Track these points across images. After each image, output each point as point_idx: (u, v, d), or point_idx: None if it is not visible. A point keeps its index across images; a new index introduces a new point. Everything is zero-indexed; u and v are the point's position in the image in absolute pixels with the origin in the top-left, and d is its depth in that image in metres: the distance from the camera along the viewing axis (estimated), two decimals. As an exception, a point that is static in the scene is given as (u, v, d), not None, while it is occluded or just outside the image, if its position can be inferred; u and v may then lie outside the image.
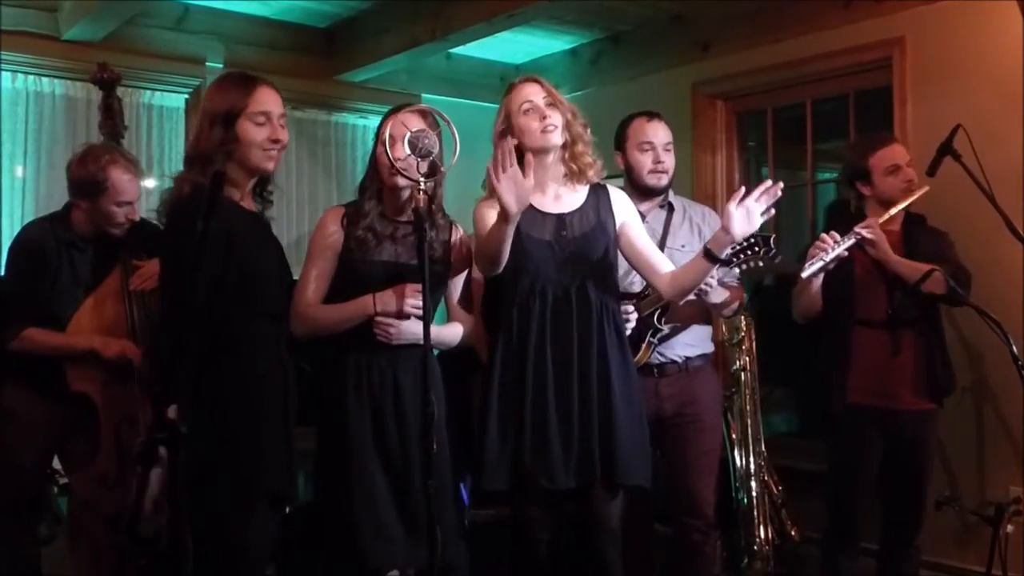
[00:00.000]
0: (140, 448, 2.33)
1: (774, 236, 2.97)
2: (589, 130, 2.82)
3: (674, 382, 3.24)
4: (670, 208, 3.34)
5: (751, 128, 5.13)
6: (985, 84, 3.84)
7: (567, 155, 2.77)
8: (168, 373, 2.33)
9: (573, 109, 2.80)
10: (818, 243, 3.18)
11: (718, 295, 3.14)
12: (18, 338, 3.14)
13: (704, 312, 3.29)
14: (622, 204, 2.84)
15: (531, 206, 2.76)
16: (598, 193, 2.82)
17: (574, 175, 2.79)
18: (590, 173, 2.79)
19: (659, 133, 3.28)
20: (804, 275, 3.14)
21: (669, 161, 3.28)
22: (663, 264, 2.80)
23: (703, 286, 3.01)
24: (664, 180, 3.28)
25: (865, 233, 3.18)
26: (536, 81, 2.79)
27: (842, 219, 3.39)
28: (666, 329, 3.19)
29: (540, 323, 2.67)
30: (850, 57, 4.34)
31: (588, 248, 2.74)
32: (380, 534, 2.63)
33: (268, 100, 2.54)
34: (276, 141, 2.55)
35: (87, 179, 3.17)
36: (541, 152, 2.71)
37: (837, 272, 3.23)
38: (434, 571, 2.43)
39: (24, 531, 3.36)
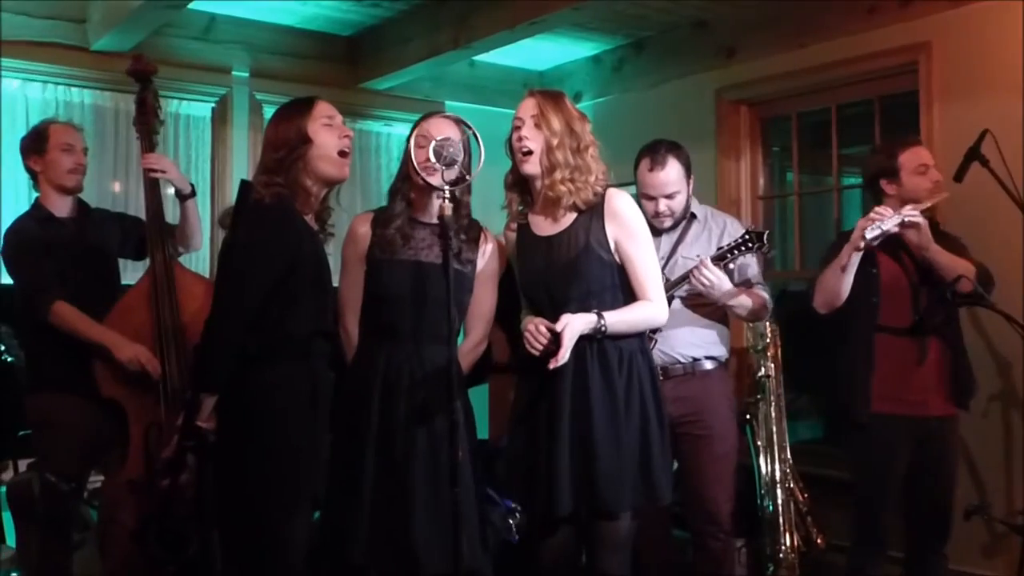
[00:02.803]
0: (169, 455, 2.35)
1: (768, 232, 3.03)
2: (591, 150, 2.69)
3: (679, 385, 3.22)
4: (691, 217, 3.33)
5: (776, 133, 5.12)
6: (1013, 88, 3.81)
7: (546, 183, 2.68)
8: (211, 373, 2.37)
9: (564, 131, 2.65)
10: (874, 212, 3.12)
11: (729, 295, 3.13)
12: (52, 312, 3.20)
13: (716, 312, 3.27)
14: (617, 219, 2.68)
15: (528, 228, 2.78)
16: (593, 210, 2.69)
17: (551, 203, 2.70)
18: (572, 201, 2.67)
19: (658, 183, 3.21)
20: (868, 236, 3.06)
21: (673, 207, 3.25)
22: (648, 291, 2.69)
23: (704, 280, 3.03)
24: (667, 223, 3.28)
25: (915, 216, 3.09)
26: (532, 95, 2.74)
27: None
28: (657, 338, 3.17)
29: (534, 359, 2.63)
30: (876, 62, 4.32)
31: (574, 274, 2.66)
32: (362, 532, 2.63)
33: (329, 108, 2.67)
34: (346, 137, 2.65)
35: (30, 135, 3.44)
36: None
37: (862, 278, 3.21)
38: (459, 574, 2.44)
39: (60, 540, 3.39)
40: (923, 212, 3.19)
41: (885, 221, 3.06)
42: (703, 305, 3.24)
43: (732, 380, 3.50)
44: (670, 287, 3.11)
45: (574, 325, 2.54)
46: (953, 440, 3.35)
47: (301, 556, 2.51)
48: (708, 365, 3.27)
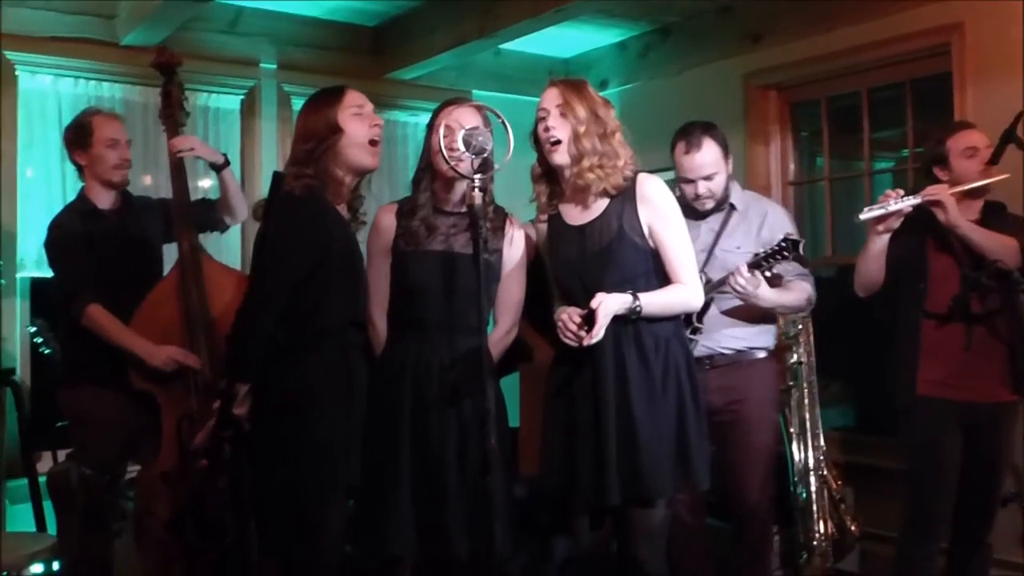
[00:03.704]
0: (205, 444, 2.38)
1: (803, 241, 3.00)
2: (617, 135, 2.69)
3: (723, 374, 3.21)
4: (731, 208, 3.30)
5: (805, 118, 5.07)
6: (1048, 69, 3.75)
7: (574, 171, 2.68)
8: (241, 362, 2.39)
9: (589, 118, 2.65)
10: (883, 196, 3.11)
11: (767, 298, 3.11)
12: (85, 315, 3.25)
13: (761, 309, 3.24)
14: (650, 204, 2.67)
15: (559, 218, 2.77)
16: (624, 195, 2.69)
17: (580, 190, 2.70)
18: (602, 187, 2.66)
19: (695, 165, 3.20)
20: (862, 217, 3.09)
21: (712, 188, 3.23)
22: (682, 275, 2.68)
23: (738, 288, 3.03)
24: (708, 205, 3.26)
25: (933, 194, 3.07)
26: (554, 85, 2.74)
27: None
28: (702, 328, 3.16)
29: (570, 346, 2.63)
30: (907, 44, 4.27)
31: (609, 261, 2.66)
32: (398, 523, 2.64)
33: (359, 97, 2.69)
34: (376, 126, 2.67)
35: (73, 128, 3.45)
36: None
37: (911, 262, 3.19)
38: (491, 563, 2.45)
39: (100, 531, 3.43)
40: (979, 196, 3.17)
41: (890, 202, 3.05)
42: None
43: (778, 370, 3.45)
44: (709, 289, 3.09)
45: (608, 303, 2.53)
46: (1006, 428, 3.28)
47: (337, 545, 2.53)
48: (753, 355, 3.25)
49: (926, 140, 3.50)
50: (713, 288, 3.14)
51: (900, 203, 3.06)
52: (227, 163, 3.47)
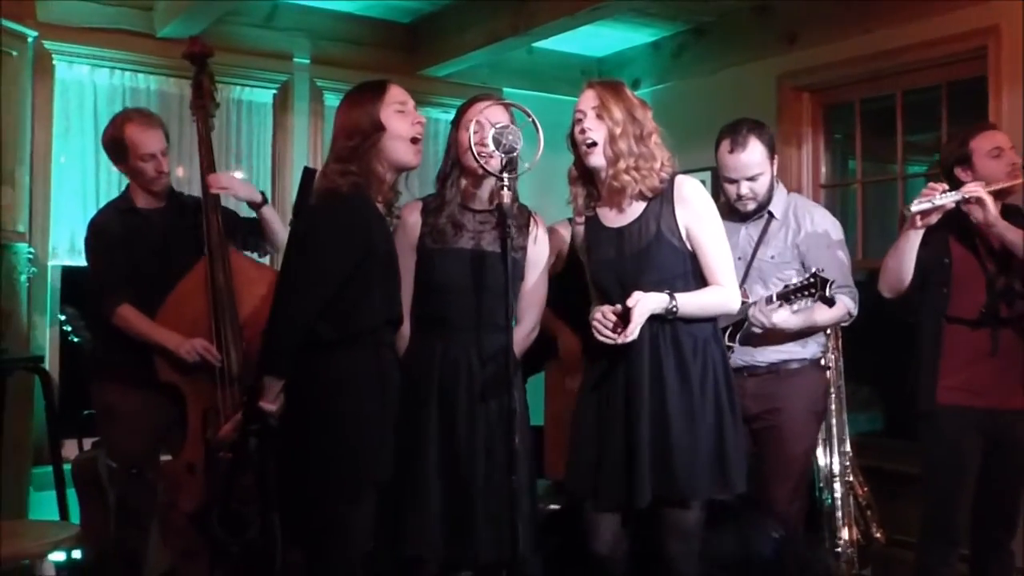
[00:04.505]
0: (231, 438, 2.39)
1: (832, 281, 2.91)
2: (654, 137, 2.68)
3: (762, 383, 3.19)
4: (770, 216, 3.24)
5: (838, 120, 5.02)
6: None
7: (610, 172, 2.67)
8: (278, 356, 2.40)
9: (626, 120, 2.64)
10: (927, 188, 3.02)
11: (795, 326, 3.07)
12: (116, 315, 3.28)
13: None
14: (688, 205, 2.67)
15: (597, 220, 2.76)
16: (662, 197, 2.68)
17: (617, 192, 2.68)
18: (638, 189, 2.65)
19: (740, 165, 3.14)
20: (913, 209, 2.98)
21: (756, 189, 3.17)
22: (719, 276, 2.67)
23: (757, 325, 3.02)
24: (751, 206, 3.20)
25: (976, 191, 2.99)
26: (591, 87, 2.72)
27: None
28: (736, 346, 3.13)
29: (606, 345, 2.62)
30: (943, 47, 4.22)
31: (647, 262, 2.65)
32: (424, 524, 2.65)
33: (401, 93, 2.68)
34: (419, 123, 2.66)
35: (110, 142, 3.42)
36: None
37: (933, 265, 3.14)
38: (515, 564, 2.45)
39: (133, 524, 3.45)
40: (1002, 198, 3.08)
41: (937, 196, 2.97)
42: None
43: (822, 380, 3.39)
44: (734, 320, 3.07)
45: (645, 302, 2.53)
46: None
47: (363, 543, 2.52)
48: (794, 365, 3.21)
49: (947, 142, 3.42)
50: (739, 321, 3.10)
51: (945, 197, 2.97)
52: (265, 201, 3.43)
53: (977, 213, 3.04)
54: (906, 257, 3.11)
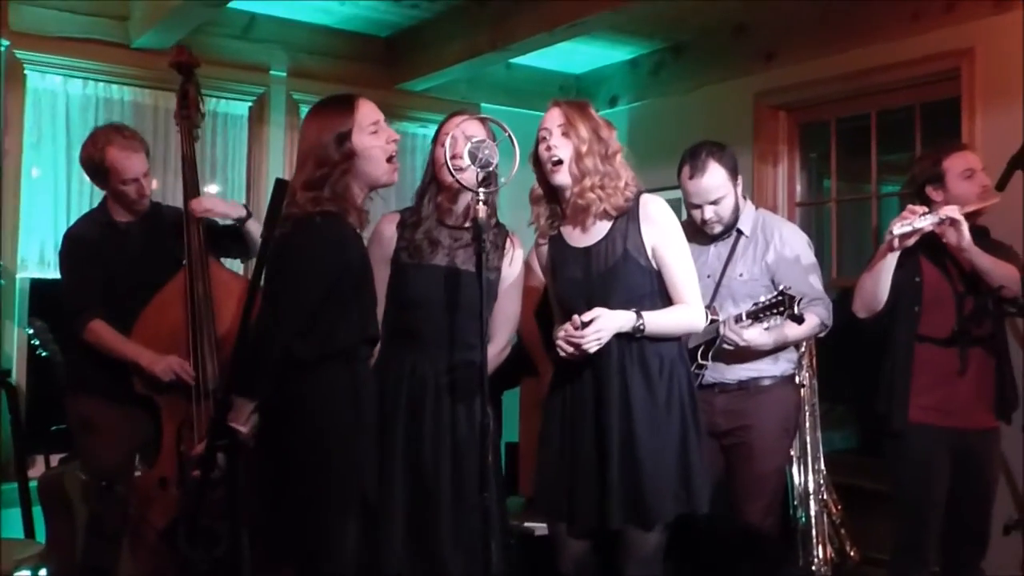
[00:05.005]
0: (200, 454, 2.35)
1: (801, 298, 2.92)
2: (619, 156, 2.68)
3: (732, 399, 3.18)
4: (738, 234, 3.25)
5: (813, 139, 5.06)
6: (1058, 96, 3.74)
7: (575, 191, 2.66)
8: (253, 380, 2.37)
9: (592, 138, 2.63)
10: (907, 210, 3.03)
11: (766, 344, 3.07)
12: (87, 330, 3.23)
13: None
14: (653, 224, 2.66)
15: (562, 239, 2.75)
16: (628, 216, 2.67)
17: (581, 211, 2.67)
18: (602, 208, 2.64)
19: (701, 190, 3.14)
20: (896, 232, 2.99)
21: (720, 212, 3.17)
22: (685, 295, 2.66)
23: (728, 341, 3.03)
24: (717, 229, 3.21)
25: (953, 213, 3.00)
26: (557, 105, 2.72)
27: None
28: (708, 364, 3.14)
29: (572, 364, 2.62)
30: (917, 68, 4.26)
31: (615, 282, 2.64)
32: (390, 540, 2.63)
33: (373, 111, 2.60)
34: (393, 141, 2.59)
35: (90, 163, 3.35)
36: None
37: (905, 284, 3.15)
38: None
39: (102, 538, 3.39)
40: (971, 220, 3.10)
41: (917, 219, 2.98)
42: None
43: (793, 396, 3.38)
44: (700, 339, 3.08)
45: (605, 317, 2.52)
46: (994, 454, 3.30)
47: (350, 561, 2.48)
48: (765, 382, 3.20)
49: (919, 160, 3.44)
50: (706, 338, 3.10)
51: (924, 220, 2.99)
52: (250, 215, 3.39)
53: (951, 236, 3.05)
54: (883, 278, 3.12)
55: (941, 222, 3.00)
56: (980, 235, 3.27)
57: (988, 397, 3.21)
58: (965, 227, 3.02)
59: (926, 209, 3.05)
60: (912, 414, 3.19)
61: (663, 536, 2.66)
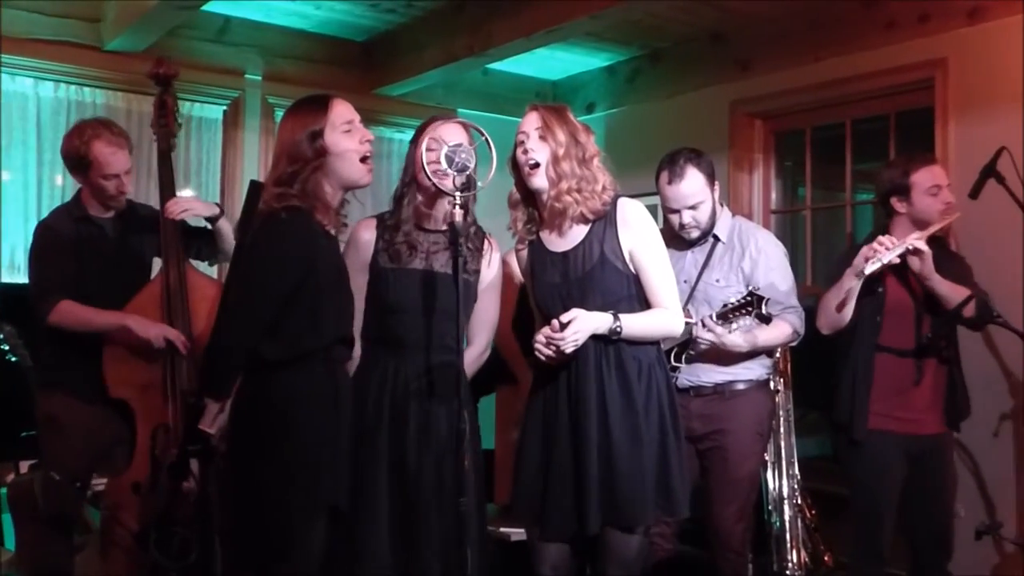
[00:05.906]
0: (172, 460, 2.32)
1: (768, 298, 2.95)
2: (596, 160, 2.67)
3: (708, 403, 3.18)
4: (715, 240, 3.26)
5: (789, 147, 5.09)
6: (1030, 106, 3.78)
7: (552, 194, 2.65)
8: (217, 379, 2.34)
9: (569, 142, 2.63)
10: (876, 243, 3.10)
11: (740, 344, 3.08)
12: (54, 311, 3.15)
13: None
14: (630, 228, 2.65)
15: (540, 244, 2.75)
16: (605, 220, 2.66)
17: (557, 214, 2.67)
18: (579, 211, 2.64)
19: (679, 196, 3.15)
20: (867, 271, 3.07)
21: (697, 217, 3.18)
22: (662, 299, 2.66)
23: (701, 344, 3.04)
24: (695, 234, 3.21)
25: (918, 244, 3.08)
26: (535, 109, 2.71)
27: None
28: (682, 367, 3.14)
29: (550, 369, 2.62)
30: (892, 77, 4.30)
31: (592, 286, 2.63)
32: (375, 545, 2.61)
33: (347, 111, 2.57)
34: (367, 141, 2.56)
35: (73, 154, 3.26)
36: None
37: (867, 297, 3.20)
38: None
39: (61, 541, 3.36)
40: (934, 232, 3.18)
41: (885, 255, 3.06)
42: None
43: (767, 401, 3.40)
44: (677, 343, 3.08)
45: (583, 318, 2.52)
46: (947, 457, 3.39)
47: (315, 567, 2.46)
48: (740, 386, 3.20)
49: (887, 168, 3.46)
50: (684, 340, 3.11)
51: (893, 252, 3.07)
52: (222, 212, 3.37)
53: (915, 264, 3.14)
54: (849, 300, 3.19)
55: (907, 252, 3.08)
56: (947, 258, 3.33)
57: (940, 405, 3.29)
58: (929, 257, 3.10)
59: (894, 240, 3.11)
60: (870, 420, 3.26)
61: (645, 539, 2.66)
